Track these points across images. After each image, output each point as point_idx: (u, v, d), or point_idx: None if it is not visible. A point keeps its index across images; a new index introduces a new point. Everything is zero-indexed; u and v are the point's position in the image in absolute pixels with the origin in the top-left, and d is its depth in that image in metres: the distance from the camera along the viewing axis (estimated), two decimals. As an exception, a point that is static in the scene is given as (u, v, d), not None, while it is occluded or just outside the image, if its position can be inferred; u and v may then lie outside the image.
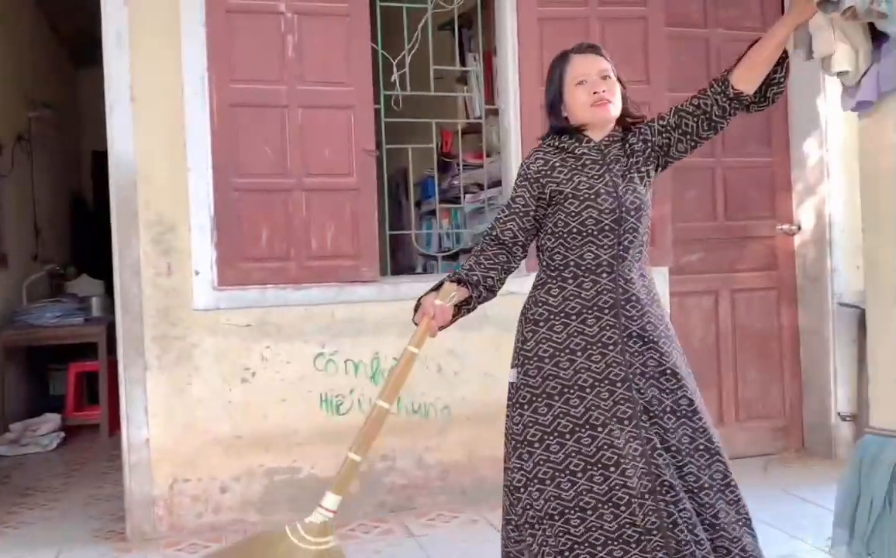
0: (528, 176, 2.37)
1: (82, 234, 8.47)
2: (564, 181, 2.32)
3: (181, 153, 3.63)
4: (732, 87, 2.26)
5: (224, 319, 3.72)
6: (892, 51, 2.22)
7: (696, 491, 2.20)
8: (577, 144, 2.37)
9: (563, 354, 2.26)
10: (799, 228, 4.60)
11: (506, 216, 2.37)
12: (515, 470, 2.26)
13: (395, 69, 4.16)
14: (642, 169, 2.36)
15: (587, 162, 2.34)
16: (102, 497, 4.23)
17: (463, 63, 4.87)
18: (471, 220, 4.97)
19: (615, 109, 2.33)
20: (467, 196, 4.95)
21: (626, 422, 2.18)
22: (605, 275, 2.27)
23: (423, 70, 4.23)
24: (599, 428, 2.19)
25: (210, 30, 3.63)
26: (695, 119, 2.31)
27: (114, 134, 3.59)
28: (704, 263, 4.51)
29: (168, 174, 3.63)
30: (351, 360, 3.85)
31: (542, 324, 2.32)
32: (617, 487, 2.14)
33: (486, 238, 2.38)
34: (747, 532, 2.24)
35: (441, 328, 2.30)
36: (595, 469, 2.16)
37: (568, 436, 2.20)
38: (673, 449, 2.20)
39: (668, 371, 2.24)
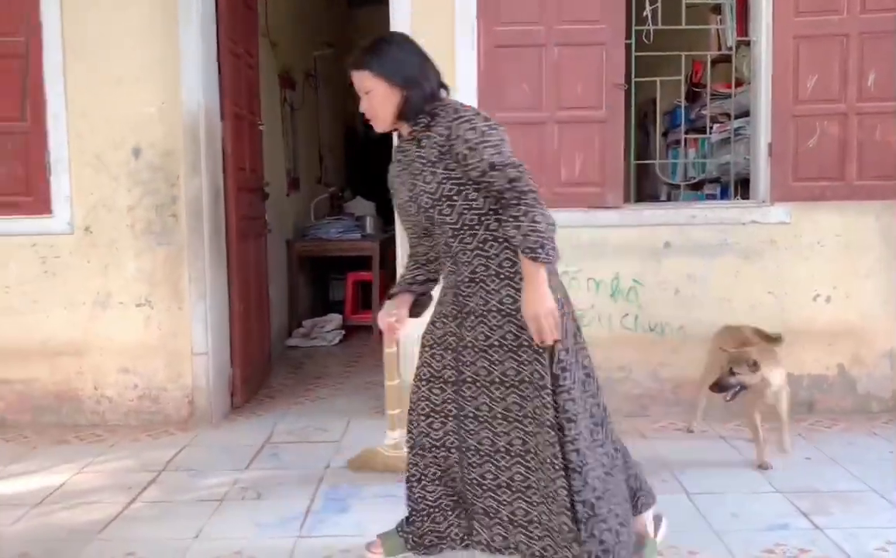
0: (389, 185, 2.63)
1: (355, 161, 9.51)
2: (394, 193, 2.57)
3: (451, 93, 4.13)
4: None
5: (483, 237, 4.22)
6: None
7: (492, 454, 2.48)
8: (399, 145, 2.56)
9: (433, 317, 2.60)
10: None
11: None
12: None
13: (647, 4, 4.37)
14: (436, 164, 2.37)
15: (402, 166, 2.51)
16: (377, 383, 4.95)
17: (719, -8, 4.92)
18: (718, 150, 5.07)
19: (381, 124, 2.45)
20: (715, 126, 5.05)
21: (446, 386, 2.52)
22: (448, 260, 2.49)
23: (674, 4, 4.39)
24: (424, 383, 2.56)
25: (480, -21, 4.06)
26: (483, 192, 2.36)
27: (396, 74, 4.16)
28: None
29: (439, 109, 4.15)
30: (593, 279, 4.22)
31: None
32: (426, 433, 2.57)
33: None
34: (522, 501, 2.46)
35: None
36: (417, 417, 2.58)
37: (419, 380, 2.58)
38: (485, 414, 2.47)
39: (496, 344, 2.41)
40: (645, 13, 4.32)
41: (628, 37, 4.22)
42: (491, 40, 4.08)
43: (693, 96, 5.41)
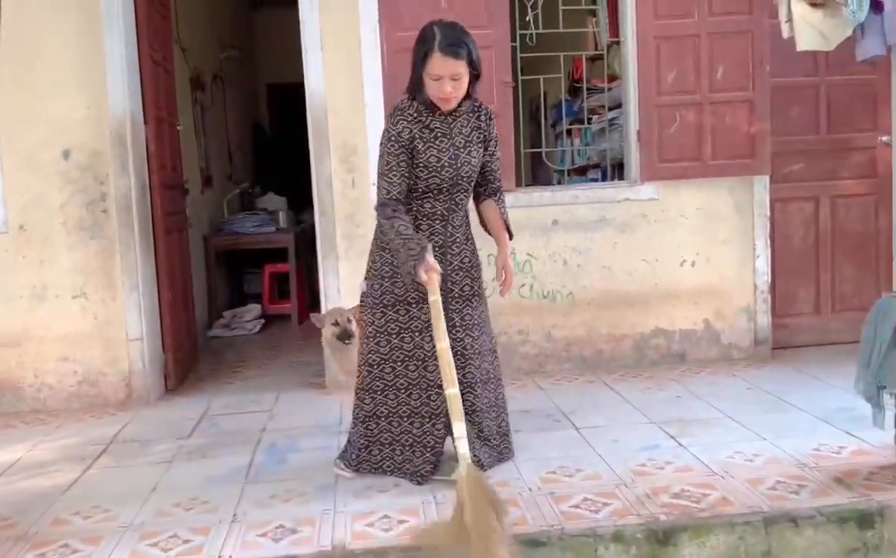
0: (401, 141, 2.84)
1: (262, 158, 9.81)
2: (421, 152, 2.87)
3: (359, 91, 4.58)
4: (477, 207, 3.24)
5: (393, 222, 4.70)
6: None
7: (472, 384, 3.10)
8: (431, 116, 2.91)
9: (398, 277, 2.95)
10: (898, 139, 5.05)
11: (396, 178, 2.85)
12: (366, 352, 3.12)
13: (529, 10, 4.94)
14: (478, 144, 3.02)
15: (438, 135, 2.91)
16: (302, 363, 5.40)
17: (593, 1, 5.54)
18: (598, 139, 5.70)
19: (454, 103, 2.88)
20: (594, 117, 5.68)
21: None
22: (438, 222, 3.01)
23: (554, 10, 4.97)
24: (416, 334, 3.01)
25: (380, -13, 4.52)
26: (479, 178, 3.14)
27: (309, 74, 4.58)
28: (806, 172, 5.06)
29: (350, 108, 4.59)
30: (493, 255, 4.72)
31: (387, 251, 2.96)
32: (422, 376, 3.04)
33: (393, 202, 2.85)
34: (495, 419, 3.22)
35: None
36: (410, 361, 3.04)
37: (394, 336, 3.03)
38: (470, 352, 3.09)
39: (476, 293, 3.14)
40: (527, 18, 4.88)
41: (514, 40, 4.77)
42: (393, 45, 4.55)
43: (575, 91, 6.02)
